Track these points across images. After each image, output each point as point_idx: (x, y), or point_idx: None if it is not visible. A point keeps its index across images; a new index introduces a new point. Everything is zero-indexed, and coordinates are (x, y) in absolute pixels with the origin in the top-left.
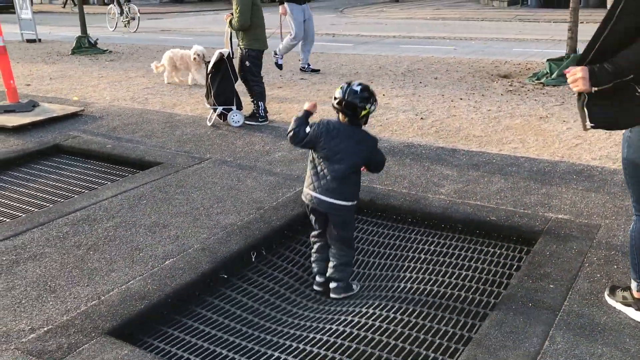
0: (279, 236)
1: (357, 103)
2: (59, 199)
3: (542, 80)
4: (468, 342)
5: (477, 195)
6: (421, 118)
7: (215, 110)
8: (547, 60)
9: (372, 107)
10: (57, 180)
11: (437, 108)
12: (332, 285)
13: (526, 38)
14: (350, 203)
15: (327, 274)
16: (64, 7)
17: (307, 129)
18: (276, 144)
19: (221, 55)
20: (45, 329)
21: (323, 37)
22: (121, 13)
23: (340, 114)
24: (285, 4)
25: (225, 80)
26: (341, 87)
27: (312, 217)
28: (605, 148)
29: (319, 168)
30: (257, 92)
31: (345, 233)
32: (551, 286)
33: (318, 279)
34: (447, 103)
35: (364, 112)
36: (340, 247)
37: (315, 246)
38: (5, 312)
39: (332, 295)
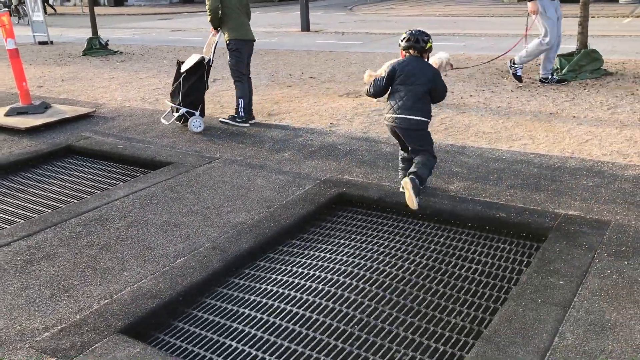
0: (288, 235)
1: (424, 37)
2: (72, 200)
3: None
4: (477, 335)
5: (487, 191)
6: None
7: (178, 110)
8: (558, 55)
9: (431, 43)
10: (70, 181)
11: (446, 105)
12: (410, 176)
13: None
14: (425, 119)
15: (409, 170)
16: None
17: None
18: (286, 142)
19: (202, 59)
20: (58, 327)
21: (332, 34)
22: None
23: (410, 50)
24: (537, 0)
25: (198, 85)
26: (406, 32)
27: (396, 139)
28: (616, 144)
29: (396, 95)
30: (240, 88)
31: (426, 146)
32: (561, 282)
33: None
34: (456, 100)
35: (429, 45)
36: (425, 155)
37: (401, 162)
38: (19, 312)
39: (412, 182)
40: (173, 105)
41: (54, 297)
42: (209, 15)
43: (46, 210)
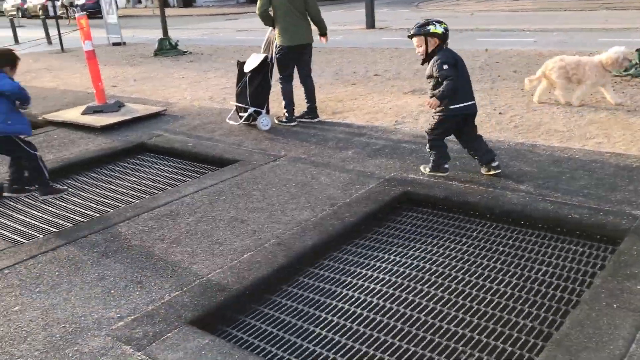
0: (352, 233)
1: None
2: (144, 195)
3: (631, 72)
4: (547, 337)
5: (559, 191)
6: (499, 113)
7: (246, 110)
8: (637, 50)
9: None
10: (142, 177)
11: (516, 102)
12: (496, 161)
13: (613, 27)
14: None
15: (489, 158)
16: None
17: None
18: (349, 141)
19: (265, 58)
20: (132, 317)
21: (397, 31)
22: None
23: (446, 42)
24: None
25: (264, 84)
26: (437, 25)
27: (451, 127)
28: None
29: (461, 83)
30: (281, 89)
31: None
32: (638, 287)
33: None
34: (526, 97)
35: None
36: (481, 138)
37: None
38: (96, 301)
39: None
40: (240, 105)
41: (128, 288)
42: (258, 11)
43: (120, 205)
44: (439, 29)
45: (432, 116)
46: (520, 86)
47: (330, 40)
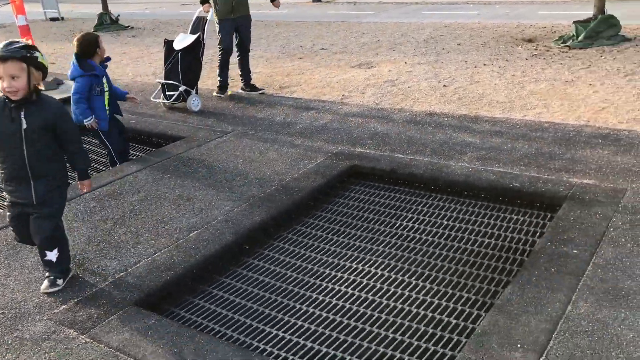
0: (300, 207)
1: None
2: None
3: (569, 43)
4: (490, 308)
5: (500, 162)
6: (444, 85)
7: (175, 88)
8: (574, 22)
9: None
10: None
11: (460, 75)
12: None
13: (553, 0)
14: None
15: None
16: None
17: None
18: (297, 115)
19: (198, 37)
20: (75, 300)
21: (344, 5)
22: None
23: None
24: None
25: (196, 63)
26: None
27: None
28: (632, 111)
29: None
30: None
31: None
32: (575, 251)
33: None
34: (470, 69)
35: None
36: None
37: None
38: (37, 285)
39: None
40: (170, 82)
41: (70, 270)
42: None
43: None
44: (46, 60)
45: None
46: (464, 58)
47: (276, 14)
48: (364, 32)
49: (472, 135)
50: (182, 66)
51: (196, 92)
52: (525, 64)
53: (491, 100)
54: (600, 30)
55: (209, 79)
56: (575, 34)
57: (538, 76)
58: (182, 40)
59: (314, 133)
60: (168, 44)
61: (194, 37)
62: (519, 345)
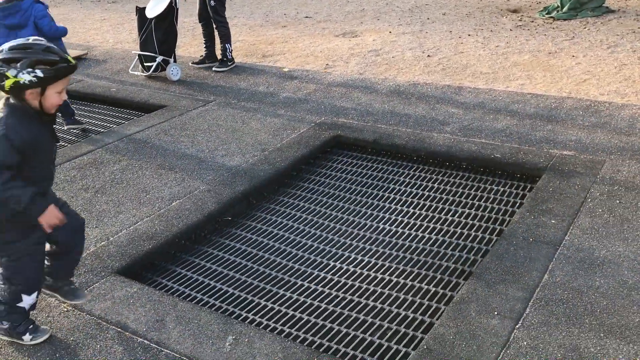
0: (283, 177)
1: None
2: (66, 144)
3: (553, 15)
4: (469, 277)
5: (482, 133)
6: (428, 55)
7: (153, 59)
8: None
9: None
10: (61, 124)
11: (444, 45)
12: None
13: None
14: None
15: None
16: None
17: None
18: (280, 85)
19: (171, 2)
20: None
21: None
22: None
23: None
24: None
25: (171, 30)
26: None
27: None
28: (614, 83)
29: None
30: (223, 34)
31: None
32: (552, 221)
33: None
34: (454, 40)
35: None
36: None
37: None
38: None
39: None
40: (147, 54)
41: None
42: None
43: None
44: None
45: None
46: (449, 28)
47: None
48: (349, 1)
49: (455, 106)
50: (157, 35)
51: (174, 61)
52: (510, 34)
53: (475, 71)
54: (585, 2)
55: (191, 46)
56: (559, 4)
57: (522, 47)
58: (154, 7)
59: (297, 103)
60: (140, 11)
61: (166, 2)
62: (496, 313)
